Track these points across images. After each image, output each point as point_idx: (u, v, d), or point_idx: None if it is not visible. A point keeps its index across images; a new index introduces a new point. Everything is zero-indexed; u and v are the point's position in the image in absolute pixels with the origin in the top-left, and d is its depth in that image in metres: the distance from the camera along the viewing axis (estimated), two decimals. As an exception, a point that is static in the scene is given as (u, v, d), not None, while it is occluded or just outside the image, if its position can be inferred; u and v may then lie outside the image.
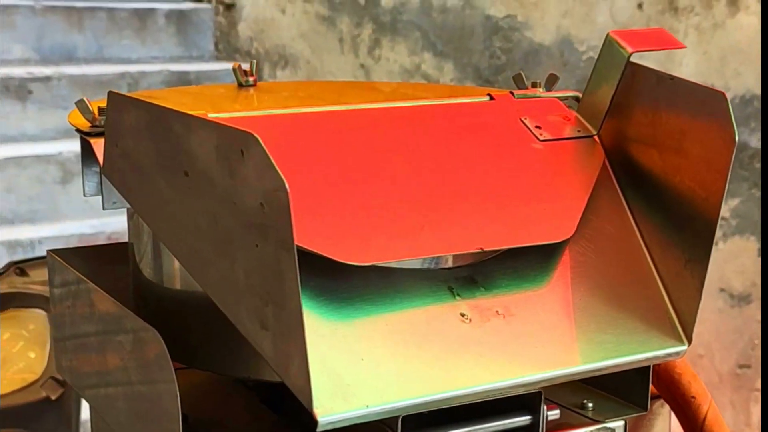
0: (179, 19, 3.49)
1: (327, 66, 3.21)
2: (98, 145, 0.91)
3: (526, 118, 1.02)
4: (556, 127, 1.02)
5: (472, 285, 0.90)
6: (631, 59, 0.99)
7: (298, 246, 0.72)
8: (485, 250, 0.90)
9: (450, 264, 0.91)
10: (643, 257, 0.98)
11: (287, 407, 0.93)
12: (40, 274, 1.94)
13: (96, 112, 0.92)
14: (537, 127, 1.01)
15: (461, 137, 0.98)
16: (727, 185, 0.91)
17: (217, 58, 3.53)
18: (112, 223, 2.70)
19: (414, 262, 0.89)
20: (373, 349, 0.83)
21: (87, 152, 0.95)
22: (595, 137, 1.02)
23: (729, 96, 0.94)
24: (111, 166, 0.90)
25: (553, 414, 0.93)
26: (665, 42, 1.03)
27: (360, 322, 0.84)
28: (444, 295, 0.89)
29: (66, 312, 1.03)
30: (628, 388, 1.02)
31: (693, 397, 1.08)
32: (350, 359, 0.82)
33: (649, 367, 0.99)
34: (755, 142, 2.39)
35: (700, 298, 0.93)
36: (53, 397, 1.87)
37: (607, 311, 0.93)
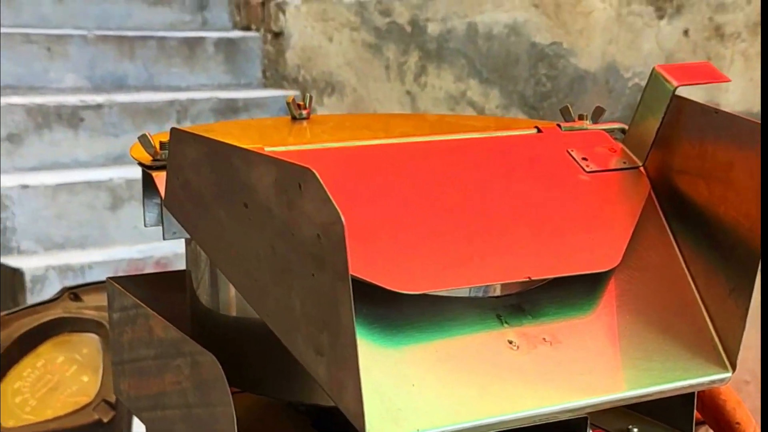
0: (228, 47, 3.52)
1: (373, 93, 3.23)
2: (160, 178, 0.93)
3: (572, 150, 1.03)
4: (603, 159, 1.03)
5: (519, 313, 0.92)
6: (677, 92, 1.00)
7: (352, 275, 0.74)
8: (533, 279, 0.92)
9: (498, 292, 0.92)
10: (687, 286, 0.98)
11: (338, 430, 0.95)
12: (94, 299, 1.97)
13: (158, 146, 0.94)
14: (583, 158, 1.02)
15: (510, 169, 1.00)
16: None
17: (265, 86, 3.55)
18: (160, 248, 2.73)
19: (463, 291, 0.91)
20: (424, 375, 0.85)
21: (148, 185, 0.97)
22: (641, 168, 1.03)
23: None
24: (172, 197, 0.92)
25: (599, 439, 0.94)
26: (710, 76, 1.04)
27: (411, 348, 0.86)
28: (492, 322, 0.90)
29: (124, 337, 1.05)
30: (672, 414, 1.02)
31: (738, 423, 1.09)
32: (401, 385, 0.83)
33: (693, 393, 1.00)
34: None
35: (744, 326, 0.94)
36: (105, 420, 1.89)
37: (652, 338, 0.94)
